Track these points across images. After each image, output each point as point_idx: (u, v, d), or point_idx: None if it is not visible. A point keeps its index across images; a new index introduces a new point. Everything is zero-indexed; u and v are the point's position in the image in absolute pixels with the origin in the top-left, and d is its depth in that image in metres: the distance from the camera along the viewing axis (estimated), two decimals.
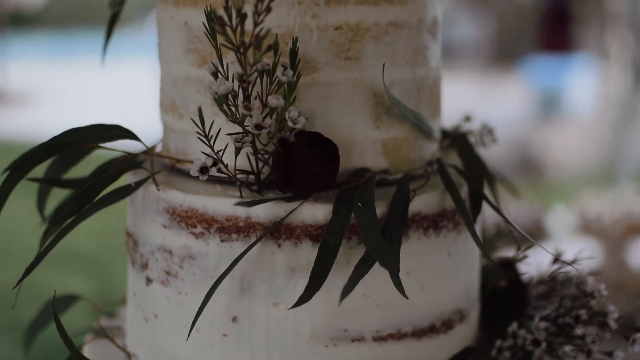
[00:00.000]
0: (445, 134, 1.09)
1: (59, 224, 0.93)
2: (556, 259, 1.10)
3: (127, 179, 0.99)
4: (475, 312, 1.05)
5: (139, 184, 0.96)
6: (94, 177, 0.97)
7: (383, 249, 0.83)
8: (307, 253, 0.90)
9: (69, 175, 1.06)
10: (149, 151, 0.99)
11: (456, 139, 1.04)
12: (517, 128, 7.22)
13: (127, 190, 0.95)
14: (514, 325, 1.02)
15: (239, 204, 0.86)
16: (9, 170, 0.93)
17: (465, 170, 0.99)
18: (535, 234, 3.94)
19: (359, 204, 0.88)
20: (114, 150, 0.97)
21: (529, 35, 9.16)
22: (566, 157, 6.71)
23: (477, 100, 8.00)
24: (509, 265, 1.12)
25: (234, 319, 0.92)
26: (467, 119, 1.14)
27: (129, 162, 1.00)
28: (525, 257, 1.09)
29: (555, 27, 8.62)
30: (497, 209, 0.96)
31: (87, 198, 0.93)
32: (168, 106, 1.01)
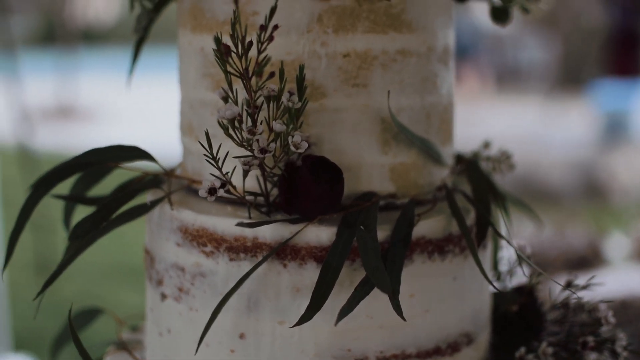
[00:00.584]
0: (459, 159, 1.11)
1: (78, 240, 0.97)
2: (569, 285, 1.10)
3: (147, 198, 1.03)
4: (484, 335, 1.06)
5: (154, 203, 1.00)
6: (113, 195, 1.01)
7: (380, 271, 0.86)
8: (312, 273, 0.92)
9: (96, 193, 1.10)
10: (166, 172, 1.03)
11: (468, 165, 1.06)
12: (582, 152, 7.15)
13: (144, 209, 0.99)
14: (522, 350, 1.03)
15: (240, 224, 0.89)
16: (32, 187, 0.97)
17: (474, 196, 1.01)
18: (590, 259, 3.91)
19: (361, 227, 0.90)
20: (133, 170, 1.01)
21: (595, 58, 9.06)
22: (631, 182, 6.61)
23: (542, 123, 7.93)
24: (524, 291, 1.14)
25: (242, 336, 0.95)
26: (486, 145, 1.16)
27: (150, 181, 1.03)
28: (538, 283, 1.10)
29: (622, 50, 8.51)
30: (500, 235, 0.98)
31: (105, 215, 0.97)
32: (186, 128, 1.05)
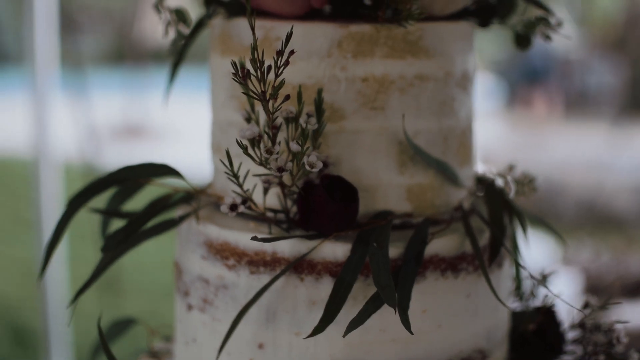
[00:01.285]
0: (480, 181, 1.14)
1: (110, 251, 1.03)
2: (586, 305, 1.13)
3: (176, 213, 1.09)
4: (500, 352, 1.09)
5: (182, 218, 1.05)
6: (144, 210, 1.07)
7: (388, 287, 0.89)
8: (327, 288, 0.96)
9: (133, 208, 1.16)
10: (194, 189, 1.08)
11: (486, 187, 1.09)
12: None
13: (172, 223, 1.05)
14: None
15: (254, 238, 0.94)
16: (69, 201, 1.04)
17: (489, 217, 1.04)
18: None
19: (374, 244, 0.94)
20: (165, 186, 1.07)
21: None
22: None
23: (608, 148, 7.85)
24: (542, 311, 1.16)
25: (260, 346, 1.00)
26: (511, 168, 1.18)
27: (181, 198, 1.09)
28: (553, 304, 1.13)
29: None
30: (513, 255, 1.00)
31: (136, 228, 1.03)
32: (215, 147, 1.10)
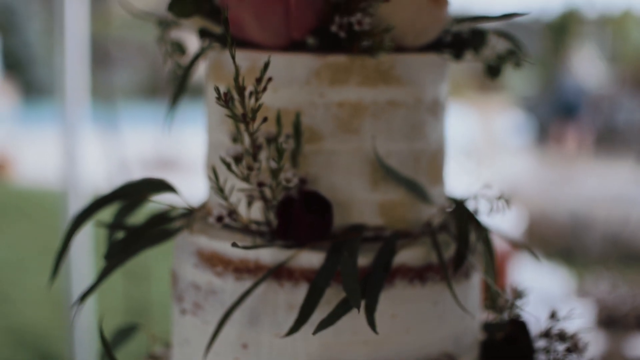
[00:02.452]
0: (451, 200, 1.23)
1: (112, 259, 1.14)
2: (552, 316, 1.21)
3: (173, 226, 1.19)
4: (469, 357, 1.18)
5: (177, 230, 1.16)
6: (144, 223, 1.18)
7: (354, 290, 0.99)
8: (304, 293, 1.06)
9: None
10: (189, 205, 1.19)
11: (456, 204, 1.19)
12: None
13: (168, 234, 1.15)
14: None
15: (234, 245, 1.04)
16: (75, 217, 1.15)
17: (456, 231, 1.14)
18: None
19: (345, 252, 1.04)
20: (162, 203, 1.18)
21: None
22: None
23: (634, 183, 7.88)
24: (514, 321, 1.25)
25: (244, 346, 1.10)
26: (487, 186, 1.28)
27: (179, 214, 1.20)
28: (517, 314, 1.22)
29: None
30: (474, 267, 1.10)
31: (135, 239, 1.14)
32: (208, 167, 1.21)
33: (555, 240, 7.05)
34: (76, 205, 4.54)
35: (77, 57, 4.55)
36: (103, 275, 1.14)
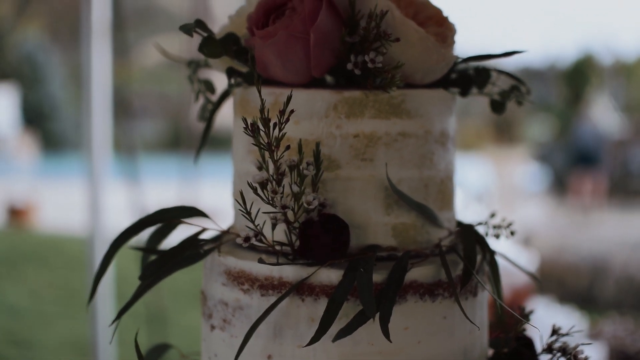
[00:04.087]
0: (459, 224, 1.33)
1: (147, 279, 1.24)
2: (554, 332, 1.30)
3: (203, 248, 1.30)
4: None
5: (207, 252, 1.26)
6: (176, 246, 1.28)
7: (369, 302, 1.09)
8: (324, 306, 1.16)
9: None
10: (220, 228, 1.30)
11: (463, 228, 1.29)
12: None
13: (198, 256, 1.26)
14: None
15: (261, 261, 1.14)
16: (113, 241, 1.26)
17: (463, 252, 1.24)
18: None
19: (361, 269, 1.15)
20: (196, 226, 1.28)
21: None
22: None
23: None
24: (520, 336, 1.34)
25: (269, 357, 1.20)
26: (492, 215, 1.38)
27: (209, 238, 1.30)
28: (523, 330, 1.31)
29: None
30: (482, 285, 1.20)
31: (168, 260, 1.24)
32: (235, 194, 1.32)
33: (570, 285, 7.10)
34: (101, 252, 4.66)
35: (101, 109, 4.69)
36: (138, 293, 1.24)
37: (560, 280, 7.07)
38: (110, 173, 4.88)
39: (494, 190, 11.88)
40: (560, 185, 13.50)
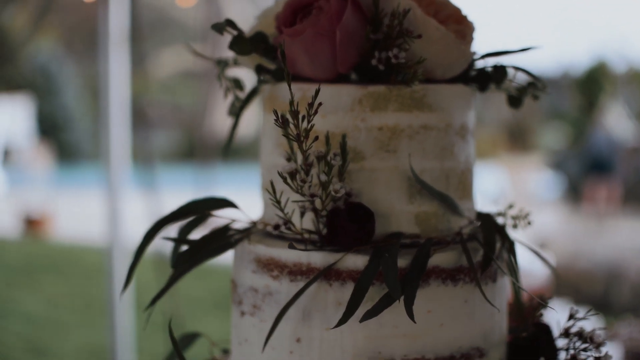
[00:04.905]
0: (479, 214, 1.39)
1: (179, 267, 1.30)
2: (571, 317, 1.36)
3: (233, 238, 1.36)
4: (497, 352, 1.32)
5: (237, 241, 1.32)
6: (208, 235, 1.34)
7: (394, 284, 1.15)
8: (350, 291, 1.21)
9: None
10: (249, 219, 1.36)
11: (482, 217, 1.35)
12: None
13: (229, 245, 1.32)
14: None
15: (291, 246, 1.20)
16: (148, 230, 1.32)
17: (483, 239, 1.29)
18: None
19: (386, 255, 1.20)
20: (221, 217, 1.34)
21: None
22: None
23: None
24: (537, 322, 1.39)
25: (298, 340, 1.25)
26: (511, 206, 1.43)
27: (238, 228, 1.36)
28: (541, 314, 1.36)
29: None
30: (502, 269, 1.25)
31: (200, 249, 1.30)
32: (264, 186, 1.37)
33: (585, 291, 7.13)
34: (119, 261, 4.74)
35: (119, 119, 4.77)
36: (172, 281, 1.30)
37: (575, 286, 7.10)
38: (128, 183, 4.96)
39: (509, 198, 11.92)
40: (574, 193, 13.52)
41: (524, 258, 3.09)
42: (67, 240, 10.82)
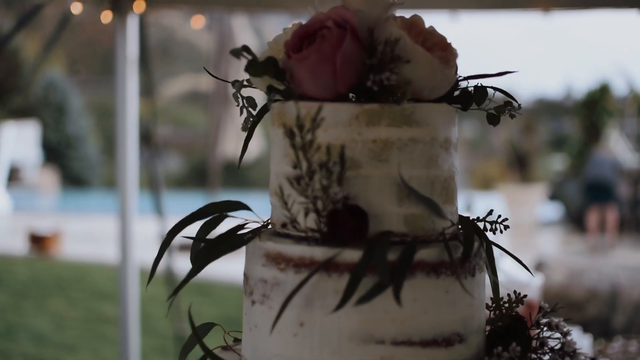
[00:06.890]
0: (462, 218, 1.58)
1: (198, 261, 1.49)
2: (540, 310, 1.54)
3: (246, 236, 1.55)
4: (476, 338, 1.50)
5: (249, 239, 1.51)
6: (224, 233, 1.53)
7: (385, 273, 1.34)
8: (347, 281, 1.40)
9: None
10: (260, 220, 1.55)
11: (463, 220, 1.54)
12: None
13: (242, 241, 1.51)
14: (499, 349, 1.48)
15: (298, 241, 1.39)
16: (170, 230, 1.51)
17: (463, 238, 1.48)
18: None
19: (378, 250, 1.39)
20: (237, 217, 1.53)
21: None
22: None
23: None
24: (513, 316, 1.58)
25: (301, 324, 1.44)
26: (490, 212, 1.62)
27: (250, 228, 1.56)
28: (516, 306, 1.55)
29: None
30: (481, 265, 1.45)
31: (216, 246, 1.49)
32: (273, 191, 1.57)
33: (579, 309, 7.29)
34: (131, 279, 4.93)
35: (130, 145, 4.95)
36: (191, 274, 1.49)
37: (571, 307, 7.25)
38: (138, 208, 5.14)
39: (510, 224, 12.08)
40: (575, 217, 13.69)
41: (521, 274, 3.29)
42: (72, 263, 11.00)
